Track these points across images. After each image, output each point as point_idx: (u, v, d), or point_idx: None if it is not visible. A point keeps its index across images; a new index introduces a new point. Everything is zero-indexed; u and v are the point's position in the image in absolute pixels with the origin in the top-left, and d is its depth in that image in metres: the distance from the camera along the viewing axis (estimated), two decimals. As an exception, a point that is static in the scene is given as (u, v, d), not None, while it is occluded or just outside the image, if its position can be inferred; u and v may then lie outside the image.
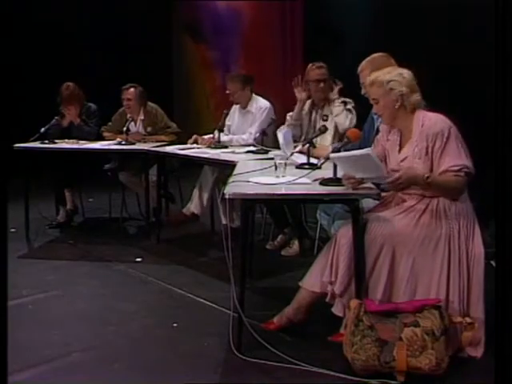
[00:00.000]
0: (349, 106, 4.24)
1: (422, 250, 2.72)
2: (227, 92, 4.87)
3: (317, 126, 4.36)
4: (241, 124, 4.92)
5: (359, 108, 4.12)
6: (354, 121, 4.20)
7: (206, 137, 4.91)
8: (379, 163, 2.72)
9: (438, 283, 2.71)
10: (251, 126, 4.79)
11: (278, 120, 4.62)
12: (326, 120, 4.32)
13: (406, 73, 2.87)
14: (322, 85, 4.32)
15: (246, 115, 4.87)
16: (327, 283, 2.82)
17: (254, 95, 4.86)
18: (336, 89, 4.31)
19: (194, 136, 4.94)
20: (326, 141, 4.18)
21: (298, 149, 3.71)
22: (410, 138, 2.84)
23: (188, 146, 4.81)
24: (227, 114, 4.89)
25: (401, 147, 2.88)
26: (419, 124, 2.80)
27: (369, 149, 2.77)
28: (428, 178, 2.67)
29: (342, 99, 4.27)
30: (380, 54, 3.37)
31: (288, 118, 4.50)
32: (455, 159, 2.70)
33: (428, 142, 2.75)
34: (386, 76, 2.83)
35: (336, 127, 4.24)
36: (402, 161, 2.84)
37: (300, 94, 4.37)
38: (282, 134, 3.75)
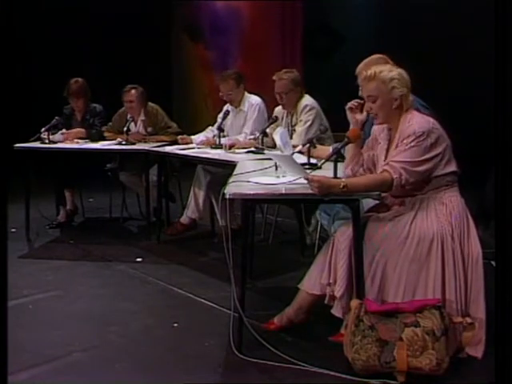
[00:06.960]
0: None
1: (417, 253, 2.68)
2: (220, 94, 4.72)
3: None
4: (234, 125, 4.80)
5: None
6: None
7: (194, 136, 4.88)
8: (299, 165, 2.85)
9: (433, 284, 2.68)
10: (245, 126, 4.70)
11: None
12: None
13: (404, 73, 2.81)
14: (284, 97, 4.18)
15: (239, 115, 4.77)
16: (326, 285, 2.81)
17: (246, 93, 4.74)
18: None
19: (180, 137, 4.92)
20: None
21: (297, 149, 3.70)
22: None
23: (189, 146, 4.80)
24: (227, 114, 4.72)
25: (388, 150, 2.84)
26: (405, 126, 2.74)
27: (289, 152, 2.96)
28: (344, 187, 2.60)
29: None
30: (378, 55, 3.35)
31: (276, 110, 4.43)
32: (398, 156, 2.67)
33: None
34: (389, 73, 2.75)
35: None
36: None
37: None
38: (278, 136, 3.65)
